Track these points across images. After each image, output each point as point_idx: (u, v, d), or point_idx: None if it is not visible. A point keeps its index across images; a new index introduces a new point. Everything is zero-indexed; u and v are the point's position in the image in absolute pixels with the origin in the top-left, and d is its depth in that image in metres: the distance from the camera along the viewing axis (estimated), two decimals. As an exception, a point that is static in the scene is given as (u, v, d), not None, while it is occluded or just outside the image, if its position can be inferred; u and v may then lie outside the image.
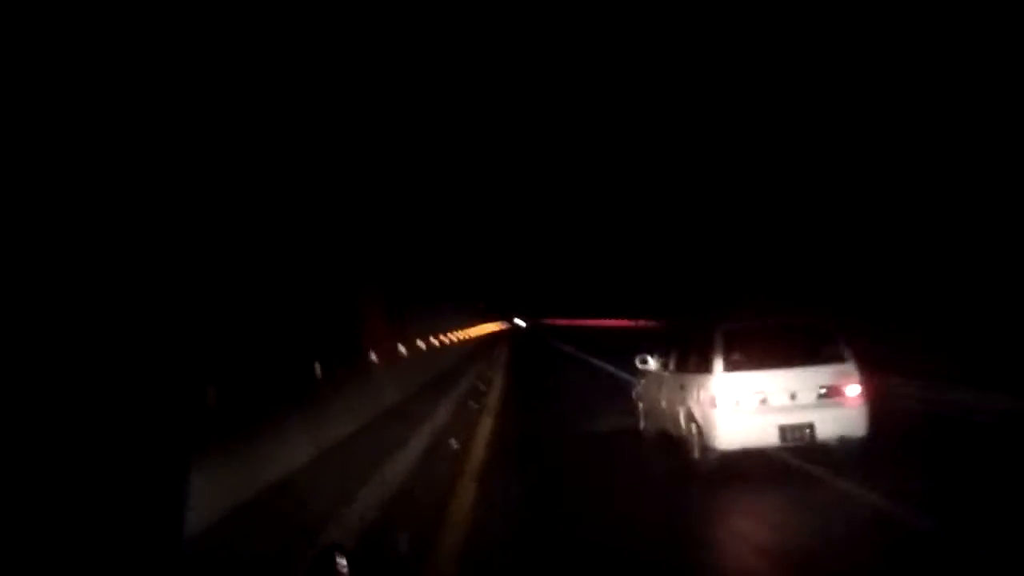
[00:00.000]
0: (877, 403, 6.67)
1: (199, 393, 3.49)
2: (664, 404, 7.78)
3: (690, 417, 6.84)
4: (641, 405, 8.95)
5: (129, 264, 1.80)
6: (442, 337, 24.16)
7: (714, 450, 6.49)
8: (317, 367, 8.68)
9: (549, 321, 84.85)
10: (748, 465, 6.57)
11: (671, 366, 7.87)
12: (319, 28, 11.37)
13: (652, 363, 8.45)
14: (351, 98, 14.80)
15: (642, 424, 8.87)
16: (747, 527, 5.37)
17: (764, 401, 6.40)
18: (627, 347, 13.33)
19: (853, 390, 6.46)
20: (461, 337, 31.65)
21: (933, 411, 9.29)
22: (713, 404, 6.43)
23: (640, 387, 9.09)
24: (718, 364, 6.56)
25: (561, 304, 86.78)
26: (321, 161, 12.84)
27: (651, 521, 5.39)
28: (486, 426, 10.72)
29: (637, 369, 8.99)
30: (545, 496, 6.57)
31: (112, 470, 1.61)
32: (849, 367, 6.54)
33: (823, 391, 6.43)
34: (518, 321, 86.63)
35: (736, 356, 6.60)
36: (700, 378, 6.81)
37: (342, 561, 1.99)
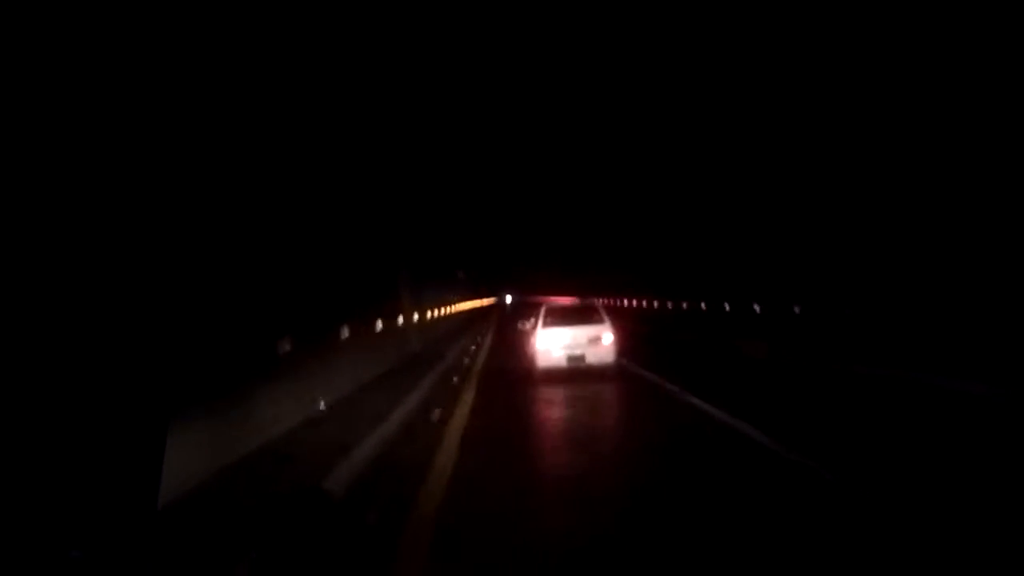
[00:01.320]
0: (623, 344, 13.12)
1: (178, 356, 3.64)
2: (526, 347, 14.26)
3: (530, 353, 13.33)
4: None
5: (115, 233, 1.83)
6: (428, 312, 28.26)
7: (538, 368, 12.93)
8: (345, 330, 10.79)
9: (537, 297, 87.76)
10: (554, 374, 12.95)
11: (528, 327, 14.34)
12: (341, 27, 11.60)
13: (525, 326, 14.95)
14: (366, 82, 14.59)
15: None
16: (553, 391, 11.66)
17: (560, 344, 12.78)
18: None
19: (607, 339, 12.82)
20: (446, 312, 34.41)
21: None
22: (535, 346, 12.88)
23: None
24: (539, 325, 13.02)
25: (551, 282, 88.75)
26: (324, 135, 12.64)
27: (523, 385, 11.86)
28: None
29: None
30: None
31: (91, 433, 1.69)
32: (605, 326, 12.93)
33: (590, 339, 12.80)
34: (507, 297, 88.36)
35: (548, 320, 13.06)
36: (534, 332, 13.27)
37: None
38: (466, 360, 17.58)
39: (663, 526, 4.77)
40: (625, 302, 40.65)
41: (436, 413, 9.64)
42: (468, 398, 11.25)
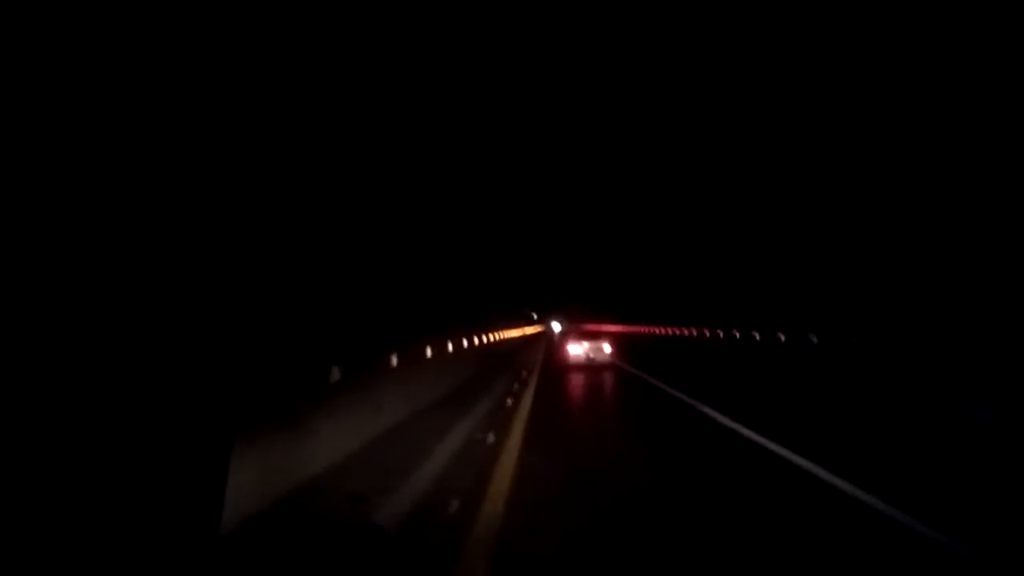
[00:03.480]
0: (617, 352, 25.43)
1: (242, 385, 3.62)
2: (565, 350, 26.79)
3: (565, 353, 25.87)
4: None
5: (179, 260, 1.83)
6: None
7: (569, 360, 25.34)
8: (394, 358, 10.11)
9: (585, 326, 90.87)
10: (579, 365, 25.20)
11: (566, 341, 26.94)
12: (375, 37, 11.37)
13: (559, 327, 27.57)
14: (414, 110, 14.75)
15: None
16: (580, 376, 23.84)
17: (582, 349, 25.17)
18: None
19: (607, 348, 25.13)
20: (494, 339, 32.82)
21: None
22: (568, 349, 25.43)
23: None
24: (571, 340, 25.64)
25: (602, 309, 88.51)
26: (391, 166, 12.96)
27: (560, 371, 24.19)
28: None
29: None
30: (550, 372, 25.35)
31: (155, 462, 1.68)
32: (605, 342, 25.32)
33: (597, 348, 25.13)
34: (555, 324, 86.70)
35: (576, 338, 25.68)
36: (569, 343, 25.84)
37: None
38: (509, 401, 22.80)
39: (618, 409, 16.96)
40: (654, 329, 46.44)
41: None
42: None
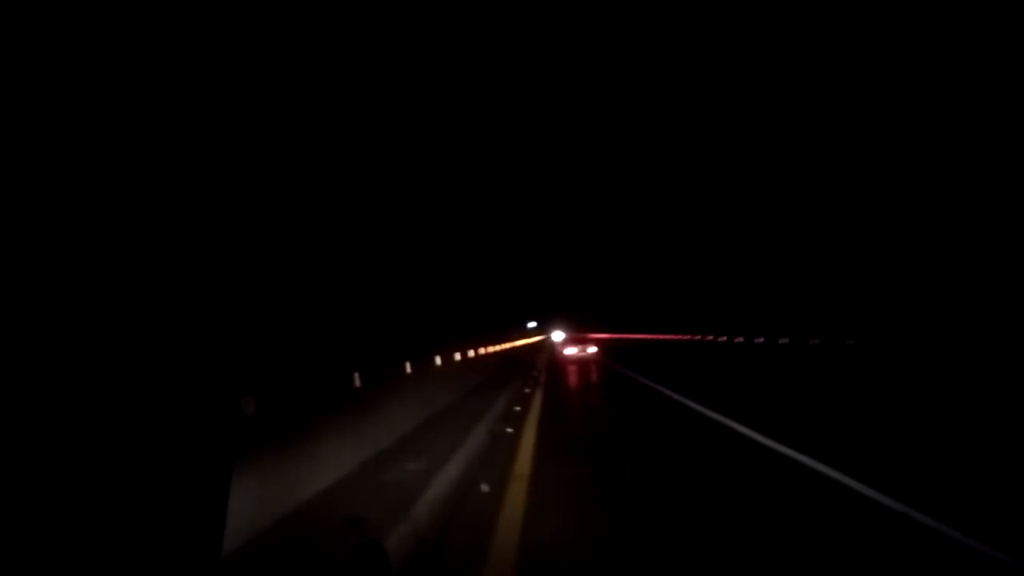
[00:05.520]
0: (604, 350, 35.58)
1: (237, 403, 3.52)
2: (561, 350, 36.96)
3: (561, 351, 36.07)
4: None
5: (174, 272, 1.77)
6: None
7: (564, 357, 35.50)
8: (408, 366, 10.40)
9: (586, 334, 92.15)
10: (572, 359, 35.23)
11: (562, 336, 37.19)
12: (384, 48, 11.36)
13: (558, 336, 38.09)
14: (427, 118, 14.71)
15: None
16: (576, 368, 33.47)
17: (574, 349, 35.39)
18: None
19: (592, 348, 35.37)
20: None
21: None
22: (566, 350, 35.72)
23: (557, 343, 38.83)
24: (567, 343, 35.96)
25: (596, 319, 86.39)
26: (397, 178, 13.01)
27: (561, 365, 34.21)
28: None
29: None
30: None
31: (152, 482, 1.59)
32: (592, 343, 35.67)
33: (587, 347, 35.32)
34: (557, 334, 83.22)
35: (569, 342, 36.08)
36: (565, 345, 36.11)
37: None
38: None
39: (602, 386, 26.94)
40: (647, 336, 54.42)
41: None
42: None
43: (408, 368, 10.49)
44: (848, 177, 19.67)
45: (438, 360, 13.13)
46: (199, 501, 1.71)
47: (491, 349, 24.83)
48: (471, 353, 18.29)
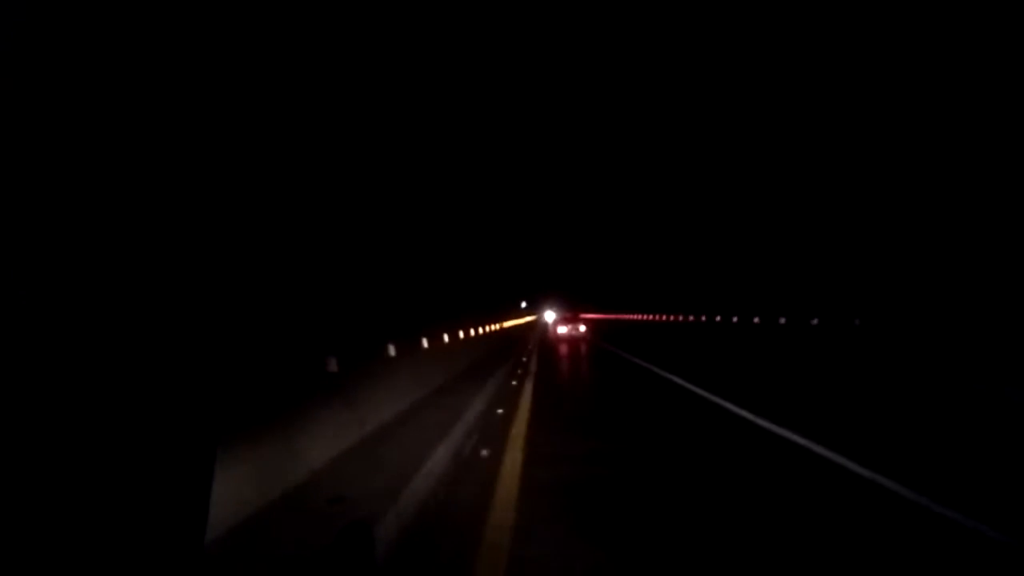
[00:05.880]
0: (593, 330, 35.59)
1: (224, 387, 3.48)
2: (554, 328, 37.07)
3: (553, 329, 36.18)
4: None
5: (160, 259, 1.75)
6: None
7: (555, 335, 35.65)
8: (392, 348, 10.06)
9: (580, 313, 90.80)
10: (563, 337, 35.35)
11: (554, 316, 37.31)
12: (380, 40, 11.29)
13: (550, 316, 38.20)
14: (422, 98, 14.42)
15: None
16: (567, 345, 33.60)
17: (565, 327, 35.51)
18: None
19: (582, 327, 35.49)
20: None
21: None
22: (558, 328, 35.84)
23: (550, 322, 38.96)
24: (559, 319, 36.02)
25: (588, 300, 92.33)
26: (398, 158, 12.88)
27: (554, 343, 34.34)
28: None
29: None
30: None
31: (136, 465, 1.58)
32: (581, 322, 35.77)
33: (575, 325, 35.45)
34: (548, 314, 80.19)
35: (560, 320, 36.16)
36: (556, 324, 36.19)
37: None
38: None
39: (590, 360, 27.04)
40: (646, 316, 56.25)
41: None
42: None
43: (392, 351, 10.08)
44: (847, 154, 19.65)
45: (425, 342, 12.97)
46: (181, 489, 1.70)
47: (482, 330, 24.64)
48: (460, 334, 18.33)
